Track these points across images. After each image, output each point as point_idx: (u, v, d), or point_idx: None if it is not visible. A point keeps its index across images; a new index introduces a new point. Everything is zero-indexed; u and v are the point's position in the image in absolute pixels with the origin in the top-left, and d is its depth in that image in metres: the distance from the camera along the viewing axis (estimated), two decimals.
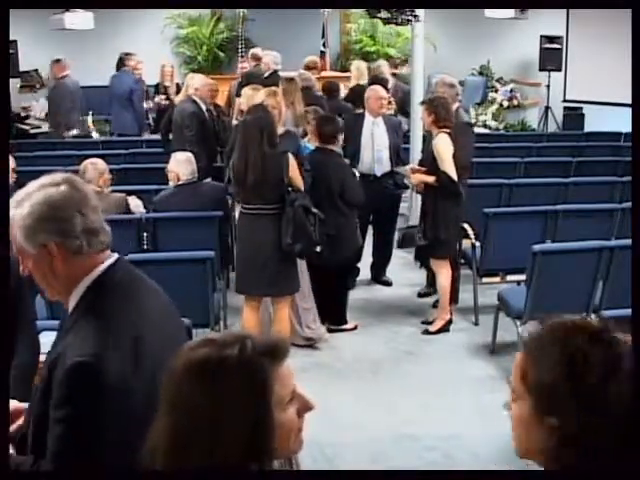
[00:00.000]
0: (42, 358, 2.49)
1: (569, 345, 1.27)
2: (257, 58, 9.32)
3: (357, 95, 7.72)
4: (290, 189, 4.74)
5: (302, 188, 4.85)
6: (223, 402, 1.28)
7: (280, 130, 5.15)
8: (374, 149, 6.24)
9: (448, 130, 5.38)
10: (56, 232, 1.76)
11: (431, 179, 5.41)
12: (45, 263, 1.79)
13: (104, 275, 1.81)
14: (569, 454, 1.26)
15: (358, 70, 8.68)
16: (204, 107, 7.11)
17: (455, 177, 5.32)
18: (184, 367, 1.33)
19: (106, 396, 1.64)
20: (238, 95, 8.17)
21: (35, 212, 1.75)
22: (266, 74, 8.51)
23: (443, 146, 5.35)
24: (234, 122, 6.78)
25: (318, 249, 4.90)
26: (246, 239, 4.85)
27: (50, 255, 1.77)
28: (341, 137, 5.58)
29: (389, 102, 7.20)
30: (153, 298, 1.90)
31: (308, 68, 8.89)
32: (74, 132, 9.59)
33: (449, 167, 5.31)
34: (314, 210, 4.81)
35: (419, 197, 5.99)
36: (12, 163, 4.81)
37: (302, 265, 5.14)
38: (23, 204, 1.77)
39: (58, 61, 9.87)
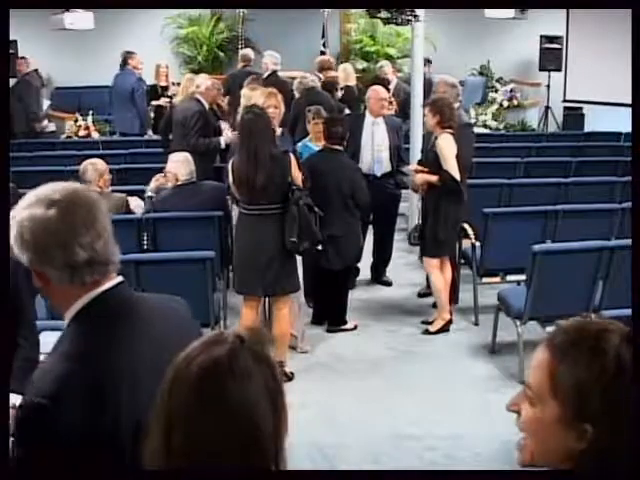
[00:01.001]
0: (42, 358, 2.51)
1: (602, 344, 1.22)
2: (246, 60, 9.30)
3: (348, 96, 7.75)
4: (294, 187, 4.74)
5: (301, 186, 4.84)
6: (251, 403, 1.25)
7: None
8: (374, 149, 6.24)
9: (451, 130, 5.38)
10: (34, 258, 1.62)
11: (434, 178, 5.42)
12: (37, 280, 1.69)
13: (93, 303, 1.67)
14: (596, 459, 1.21)
15: (345, 72, 8.72)
16: (207, 107, 7.10)
17: (458, 176, 5.32)
18: (195, 374, 1.26)
19: (59, 439, 1.52)
20: (226, 94, 8.24)
21: (18, 230, 1.61)
22: (265, 74, 8.53)
23: (447, 146, 5.34)
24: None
25: (319, 247, 4.92)
26: (247, 240, 4.81)
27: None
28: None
29: (390, 102, 7.20)
30: (148, 327, 1.71)
31: (322, 69, 8.87)
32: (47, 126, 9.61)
33: (451, 166, 5.32)
34: (315, 208, 4.82)
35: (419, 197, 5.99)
36: None
37: None
38: (17, 213, 1.63)
39: (23, 58, 9.89)
